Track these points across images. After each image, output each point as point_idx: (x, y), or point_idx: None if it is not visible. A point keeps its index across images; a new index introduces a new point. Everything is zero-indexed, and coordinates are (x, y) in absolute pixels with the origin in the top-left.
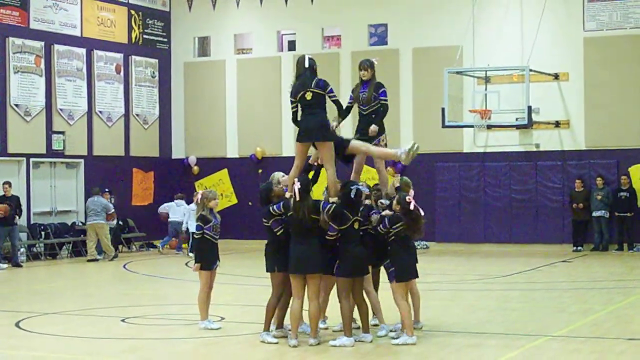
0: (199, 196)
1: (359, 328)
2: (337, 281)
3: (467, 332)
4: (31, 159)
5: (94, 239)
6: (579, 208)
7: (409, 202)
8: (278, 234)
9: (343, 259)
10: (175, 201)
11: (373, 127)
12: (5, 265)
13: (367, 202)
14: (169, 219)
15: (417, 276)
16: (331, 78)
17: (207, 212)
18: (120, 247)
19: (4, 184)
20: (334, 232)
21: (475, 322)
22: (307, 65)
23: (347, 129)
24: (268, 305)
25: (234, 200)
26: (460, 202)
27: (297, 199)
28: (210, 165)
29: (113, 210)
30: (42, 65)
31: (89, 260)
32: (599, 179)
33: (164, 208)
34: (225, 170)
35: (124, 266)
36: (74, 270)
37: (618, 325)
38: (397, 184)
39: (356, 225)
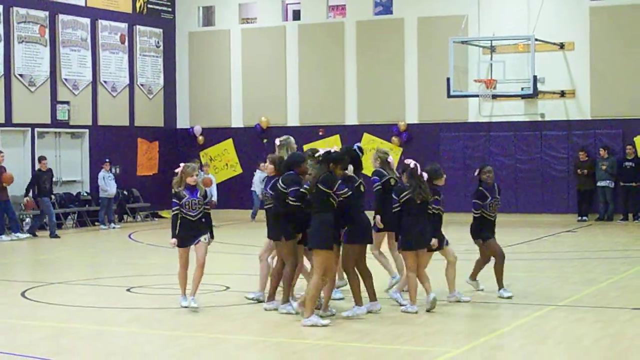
0: (179, 171)
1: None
2: (347, 249)
3: (472, 302)
4: (36, 129)
5: None
6: (583, 174)
7: (408, 163)
8: (293, 204)
9: (354, 226)
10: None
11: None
12: (25, 236)
13: None
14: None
15: (423, 246)
16: (334, 48)
17: (182, 189)
18: (125, 217)
19: (39, 159)
20: (344, 191)
21: (480, 292)
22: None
23: None
24: (278, 274)
25: (239, 170)
26: (465, 172)
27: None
28: (215, 135)
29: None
30: (47, 35)
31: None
32: (602, 150)
33: None
34: (230, 140)
35: (129, 236)
36: (79, 240)
37: (623, 295)
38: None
39: (362, 188)
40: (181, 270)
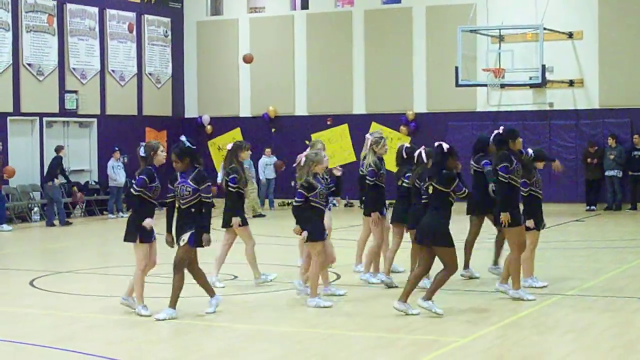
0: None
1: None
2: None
3: (481, 291)
4: (44, 119)
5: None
6: (593, 164)
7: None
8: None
9: None
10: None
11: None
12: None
13: None
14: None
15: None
16: (342, 37)
17: (149, 170)
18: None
19: (58, 148)
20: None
21: (489, 281)
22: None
23: None
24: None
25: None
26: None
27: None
28: (223, 124)
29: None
30: (55, 25)
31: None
32: (610, 138)
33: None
34: (238, 129)
35: None
36: (88, 229)
37: (631, 284)
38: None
39: None
40: (139, 270)
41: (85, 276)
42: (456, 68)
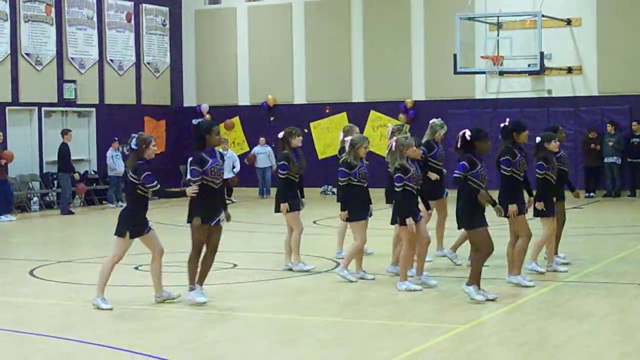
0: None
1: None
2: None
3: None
4: (43, 108)
5: None
6: (595, 150)
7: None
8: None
9: None
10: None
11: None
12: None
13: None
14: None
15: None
16: (341, 25)
17: (141, 165)
18: None
19: (64, 132)
20: None
21: (487, 268)
22: None
23: None
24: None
25: (246, 148)
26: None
27: None
28: (222, 113)
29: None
30: (53, 14)
31: None
32: (609, 125)
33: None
34: (237, 118)
35: None
36: (88, 218)
37: (631, 271)
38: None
39: None
40: (110, 262)
41: (85, 265)
42: (454, 55)
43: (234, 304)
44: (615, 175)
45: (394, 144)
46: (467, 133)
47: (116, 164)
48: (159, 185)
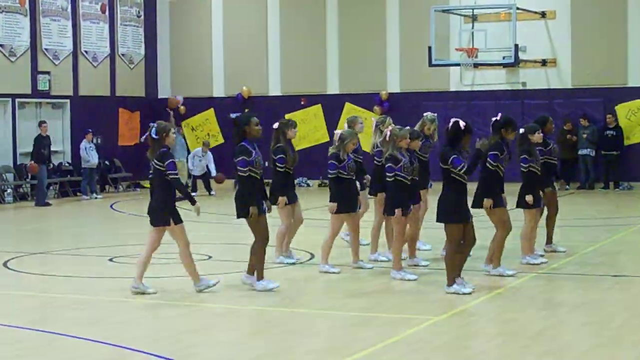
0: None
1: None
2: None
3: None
4: (16, 100)
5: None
6: (572, 141)
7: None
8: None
9: None
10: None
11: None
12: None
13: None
14: None
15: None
16: (316, 17)
17: (166, 152)
18: (107, 187)
19: (41, 123)
20: None
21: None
22: None
23: None
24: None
25: (221, 140)
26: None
27: None
28: (196, 104)
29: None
30: (27, 5)
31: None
32: (582, 119)
33: None
34: (212, 110)
35: (111, 206)
36: (62, 210)
37: (604, 262)
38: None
39: None
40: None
41: (59, 257)
42: (429, 48)
43: (206, 295)
44: (589, 167)
45: (388, 133)
46: (462, 122)
47: (90, 156)
48: (178, 176)
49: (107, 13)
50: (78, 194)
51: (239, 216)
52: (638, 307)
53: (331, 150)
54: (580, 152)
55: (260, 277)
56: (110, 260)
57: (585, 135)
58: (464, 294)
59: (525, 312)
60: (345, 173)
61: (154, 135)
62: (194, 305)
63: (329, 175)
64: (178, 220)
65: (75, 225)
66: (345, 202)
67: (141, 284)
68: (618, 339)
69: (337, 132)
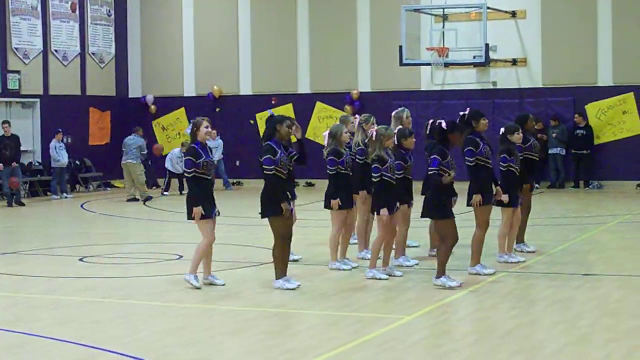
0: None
1: None
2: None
3: (427, 268)
4: None
5: (129, 179)
6: (542, 139)
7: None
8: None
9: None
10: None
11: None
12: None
13: None
14: None
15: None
16: (287, 16)
17: (191, 148)
18: (77, 186)
19: (2, 123)
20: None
21: (430, 260)
22: None
23: None
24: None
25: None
26: (418, 140)
27: None
28: (167, 103)
29: (145, 151)
30: None
31: (127, 200)
32: (552, 121)
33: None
34: (183, 109)
35: (82, 206)
36: (32, 210)
37: (574, 261)
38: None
39: None
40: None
41: (30, 257)
42: (400, 47)
43: (179, 295)
44: (560, 166)
45: (374, 133)
46: (443, 123)
47: (60, 155)
48: (194, 174)
49: (77, 12)
50: (48, 193)
51: (263, 216)
52: (607, 306)
53: (327, 148)
54: (550, 152)
55: (280, 276)
56: (81, 260)
57: (554, 135)
58: (450, 287)
59: (496, 311)
60: (344, 169)
61: (187, 131)
62: (168, 305)
63: (329, 172)
64: (208, 215)
65: (46, 225)
66: (346, 198)
67: (211, 275)
68: (588, 338)
69: (325, 133)
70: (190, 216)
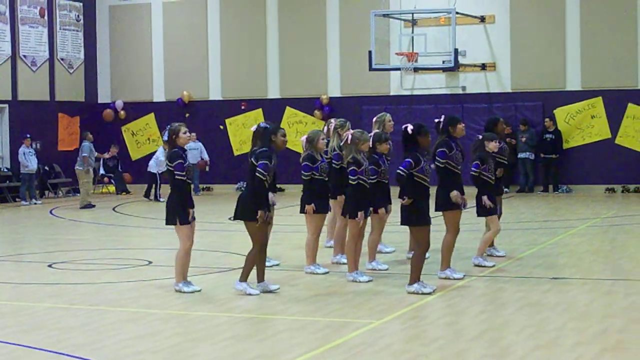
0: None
1: None
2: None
3: (396, 275)
4: None
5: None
6: (512, 144)
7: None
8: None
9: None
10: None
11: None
12: None
13: None
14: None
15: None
16: (256, 22)
17: (175, 152)
18: (46, 192)
19: None
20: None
21: (401, 265)
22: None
23: None
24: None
25: (161, 144)
26: (393, 145)
27: None
28: (137, 109)
29: (85, 154)
30: None
31: (81, 208)
32: (521, 125)
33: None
34: (152, 115)
35: (51, 211)
36: (0, 216)
37: (543, 265)
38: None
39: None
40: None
41: None
42: (370, 52)
43: (148, 301)
44: (529, 170)
45: (349, 137)
46: (410, 127)
47: (28, 161)
48: (186, 177)
49: (46, 17)
50: (17, 199)
51: (238, 218)
52: (576, 309)
53: (303, 154)
54: (519, 156)
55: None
56: (50, 266)
57: (523, 139)
58: (424, 293)
59: (465, 315)
60: (318, 174)
61: (164, 138)
62: (138, 311)
63: (303, 177)
64: (184, 221)
65: (14, 231)
66: (321, 203)
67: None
68: (557, 341)
69: (303, 138)
70: (172, 221)
